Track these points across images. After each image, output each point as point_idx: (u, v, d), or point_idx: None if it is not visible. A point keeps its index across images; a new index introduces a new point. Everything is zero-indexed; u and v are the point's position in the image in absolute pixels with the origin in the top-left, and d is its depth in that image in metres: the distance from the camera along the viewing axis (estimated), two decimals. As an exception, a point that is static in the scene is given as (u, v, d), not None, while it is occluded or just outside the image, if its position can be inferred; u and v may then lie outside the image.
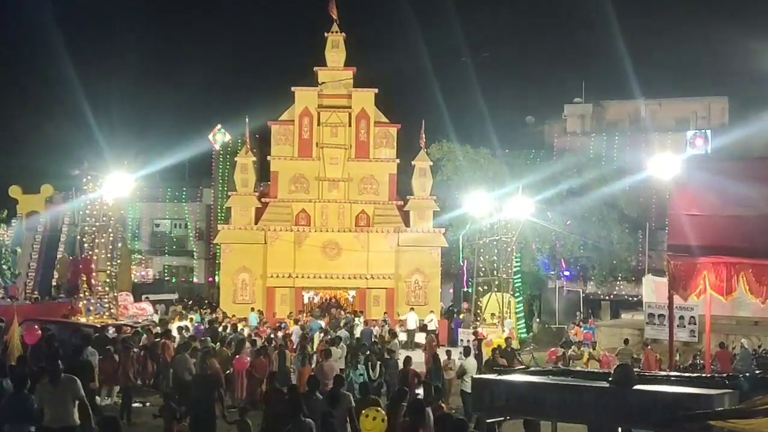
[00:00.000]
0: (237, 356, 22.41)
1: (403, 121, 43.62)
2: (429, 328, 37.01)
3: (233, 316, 34.86)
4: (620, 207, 45.93)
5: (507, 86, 63.19)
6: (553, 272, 46.90)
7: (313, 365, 22.92)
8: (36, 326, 23.49)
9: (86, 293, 33.31)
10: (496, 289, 37.21)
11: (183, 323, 31.40)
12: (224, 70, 75.43)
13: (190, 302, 46.08)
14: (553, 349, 29.40)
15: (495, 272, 38.01)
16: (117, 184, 33.95)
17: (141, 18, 76.54)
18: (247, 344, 24.35)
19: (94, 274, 33.96)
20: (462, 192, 42.23)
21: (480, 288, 38.50)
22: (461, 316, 39.61)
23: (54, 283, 38.21)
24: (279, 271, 40.84)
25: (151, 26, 76.82)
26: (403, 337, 34.72)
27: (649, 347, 25.67)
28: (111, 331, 27.68)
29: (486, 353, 27.69)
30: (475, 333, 30.50)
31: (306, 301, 42.29)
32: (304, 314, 37.77)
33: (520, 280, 41.07)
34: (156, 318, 35.51)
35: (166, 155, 50.99)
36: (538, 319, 45.33)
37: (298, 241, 41.11)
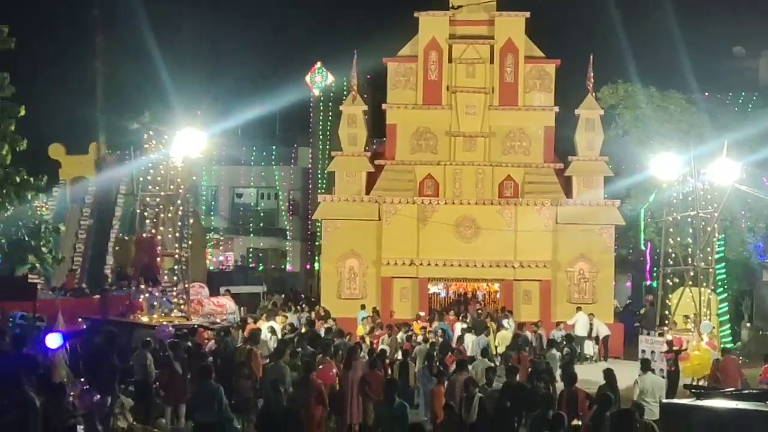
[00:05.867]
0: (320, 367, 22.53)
1: (564, 55, 43.11)
2: (601, 334, 36.90)
3: None
4: None
5: (708, 5, 61.19)
6: (770, 260, 45.58)
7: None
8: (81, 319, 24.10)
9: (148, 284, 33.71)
10: (690, 283, 36.37)
11: (271, 323, 31.83)
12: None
13: (283, 297, 46.71)
14: (769, 364, 28.52)
15: (690, 260, 37.14)
16: (188, 142, 33.70)
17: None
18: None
19: (158, 259, 34.34)
20: (644, 150, 41.37)
21: (669, 281, 37.69)
22: (643, 311, 39.22)
23: (108, 270, 39.17)
24: (397, 256, 40.89)
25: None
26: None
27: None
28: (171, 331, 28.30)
29: (683, 369, 27.22)
30: (669, 342, 29.91)
31: (432, 295, 42.37)
32: (447, 314, 37.92)
33: (724, 270, 40.09)
34: (238, 317, 36.10)
35: (251, 104, 51.58)
36: (748, 324, 44.24)
37: (422, 218, 41.06)
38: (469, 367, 23.19)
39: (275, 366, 21.74)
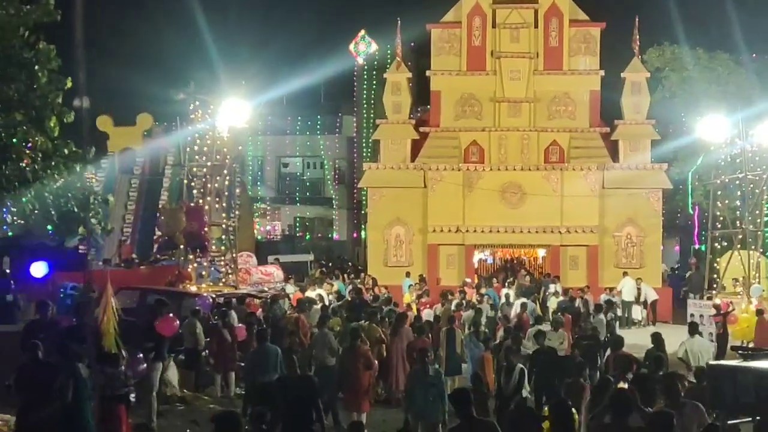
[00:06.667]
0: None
1: (609, 17, 42.72)
2: (649, 298, 36.81)
3: None
4: None
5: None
6: (822, 222, 45.09)
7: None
8: (172, 314, 23.59)
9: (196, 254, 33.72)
10: (739, 246, 36.12)
11: (318, 292, 31.97)
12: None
13: (330, 265, 46.88)
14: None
15: (738, 223, 36.87)
16: (233, 112, 33.82)
17: None
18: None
19: (206, 229, 34.40)
20: (691, 113, 41.05)
21: (717, 244, 37.45)
22: (688, 275, 39.02)
23: (154, 239, 39.37)
24: (443, 223, 40.85)
25: None
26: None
27: None
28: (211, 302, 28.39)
29: (732, 332, 27.16)
30: (716, 306, 29.80)
31: (479, 262, 42.40)
32: (496, 280, 38.01)
33: (774, 233, 39.78)
34: (289, 286, 36.24)
35: (295, 73, 51.56)
36: (798, 287, 43.82)
37: (468, 184, 40.98)
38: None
39: (321, 333, 21.87)
